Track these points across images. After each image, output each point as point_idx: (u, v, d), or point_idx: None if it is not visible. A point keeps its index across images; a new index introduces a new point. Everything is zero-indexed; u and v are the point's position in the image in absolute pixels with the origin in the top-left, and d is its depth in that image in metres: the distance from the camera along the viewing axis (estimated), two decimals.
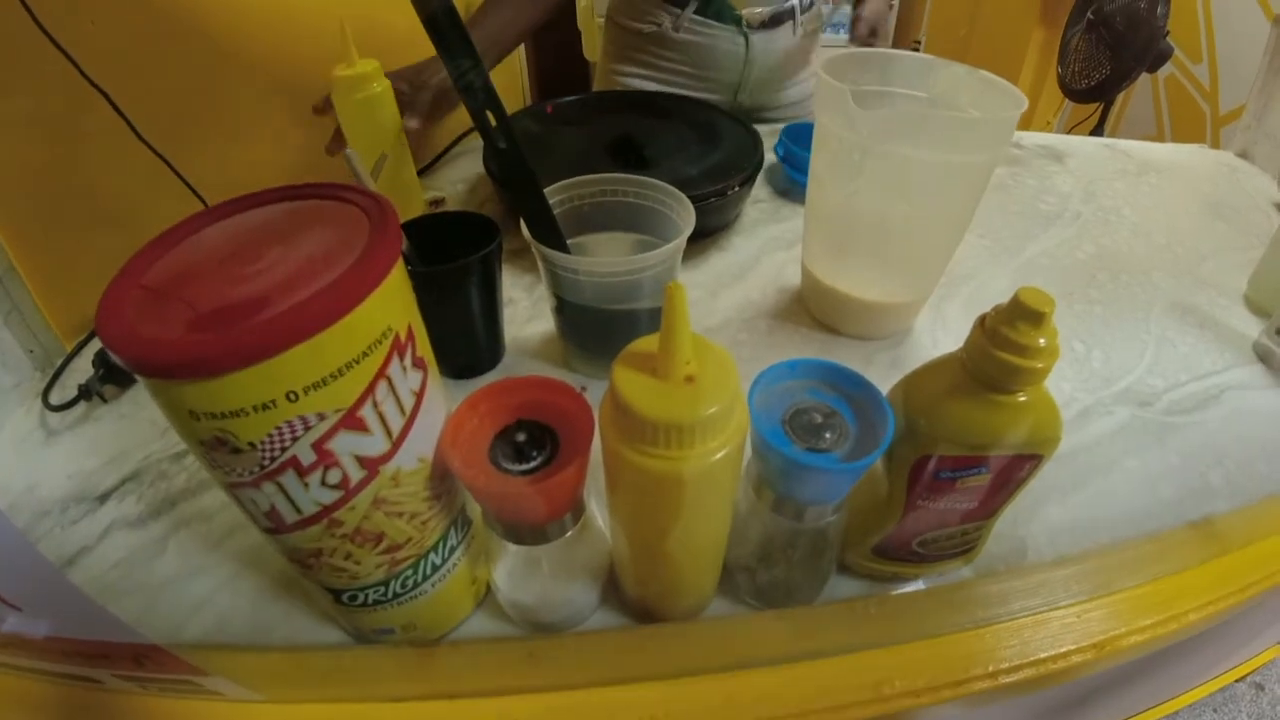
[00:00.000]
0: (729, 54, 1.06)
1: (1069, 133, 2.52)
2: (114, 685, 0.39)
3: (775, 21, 1.06)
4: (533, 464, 0.33)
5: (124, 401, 0.62)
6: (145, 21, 0.69)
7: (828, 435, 0.35)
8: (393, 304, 0.29)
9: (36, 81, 0.60)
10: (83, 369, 0.63)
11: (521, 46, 1.55)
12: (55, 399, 0.60)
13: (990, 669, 0.43)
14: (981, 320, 0.34)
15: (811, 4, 1.10)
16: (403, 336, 0.29)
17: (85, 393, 0.60)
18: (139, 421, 0.59)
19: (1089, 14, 1.93)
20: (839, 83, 0.52)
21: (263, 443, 0.27)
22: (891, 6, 1.08)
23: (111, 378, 0.61)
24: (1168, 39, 1.77)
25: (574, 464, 0.33)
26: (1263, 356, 0.69)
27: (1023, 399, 0.35)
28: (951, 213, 0.57)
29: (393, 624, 0.39)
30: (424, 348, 0.32)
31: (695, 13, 1.03)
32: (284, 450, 0.27)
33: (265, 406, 0.26)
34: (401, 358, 0.29)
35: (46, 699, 0.41)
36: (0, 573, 0.28)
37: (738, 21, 1.04)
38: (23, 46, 0.58)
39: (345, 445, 0.29)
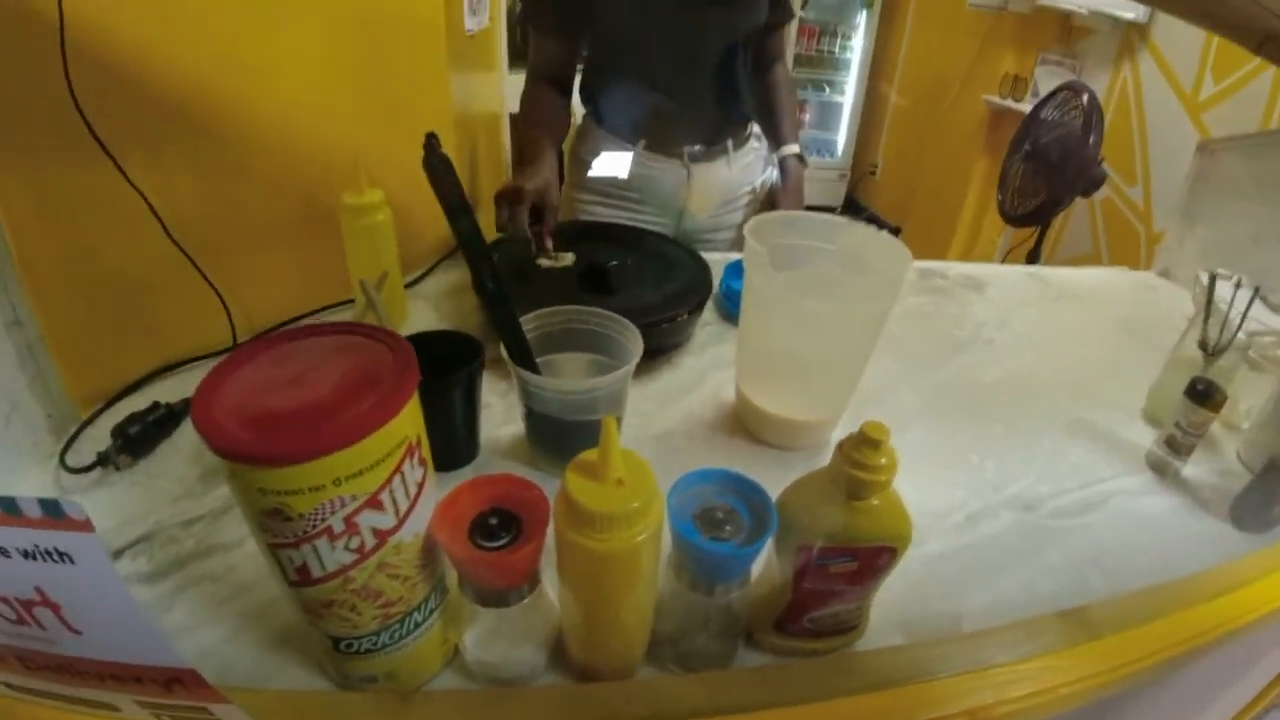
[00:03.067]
0: (673, 183, 1.24)
1: (1010, 254, 2.64)
2: (131, 713, 0.43)
3: (711, 156, 1.23)
4: (501, 542, 0.44)
5: (137, 470, 0.68)
6: (183, 129, 0.74)
7: (728, 528, 0.46)
8: (410, 420, 0.40)
9: (78, 171, 0.67)
10: (94, 435, 0.70)
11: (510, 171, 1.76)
12: (70, 461, 0.66)
13: None
14: (840, 444, 0.46)
15: (746, 140, 1.27)
16: (414, 443, 0.40)
17: (103, 460, 0.66)
18: (151, 490, 0.66)
19: (1026, 145, 2.09)
20: (760, 245, 0.65)
21: (309, 514, 0.37)
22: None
23: (128, 448, 0.67)
24: (1103, 165, 1.89)
25: (532, 543, 0.43)
26: (1154, 465, 0.77)
27: (876, 503, 0.46)
28: (852, 349, 0.70)
29: (376, 671, 0.48)
30: (426, 451, 0.43)
31: (644, 149, 1.21)
32: (323, 521, 0.37)
33: (316, 489, 0.36)
34: (412, 459, 0.40)
35: None
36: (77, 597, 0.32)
37: (680, 156, 1.21)
38: (70, 134, 0.64)
39: (367, 520, 0.39)
